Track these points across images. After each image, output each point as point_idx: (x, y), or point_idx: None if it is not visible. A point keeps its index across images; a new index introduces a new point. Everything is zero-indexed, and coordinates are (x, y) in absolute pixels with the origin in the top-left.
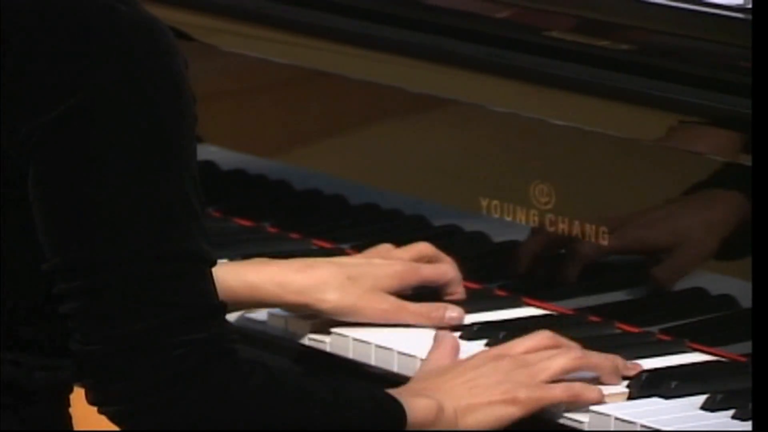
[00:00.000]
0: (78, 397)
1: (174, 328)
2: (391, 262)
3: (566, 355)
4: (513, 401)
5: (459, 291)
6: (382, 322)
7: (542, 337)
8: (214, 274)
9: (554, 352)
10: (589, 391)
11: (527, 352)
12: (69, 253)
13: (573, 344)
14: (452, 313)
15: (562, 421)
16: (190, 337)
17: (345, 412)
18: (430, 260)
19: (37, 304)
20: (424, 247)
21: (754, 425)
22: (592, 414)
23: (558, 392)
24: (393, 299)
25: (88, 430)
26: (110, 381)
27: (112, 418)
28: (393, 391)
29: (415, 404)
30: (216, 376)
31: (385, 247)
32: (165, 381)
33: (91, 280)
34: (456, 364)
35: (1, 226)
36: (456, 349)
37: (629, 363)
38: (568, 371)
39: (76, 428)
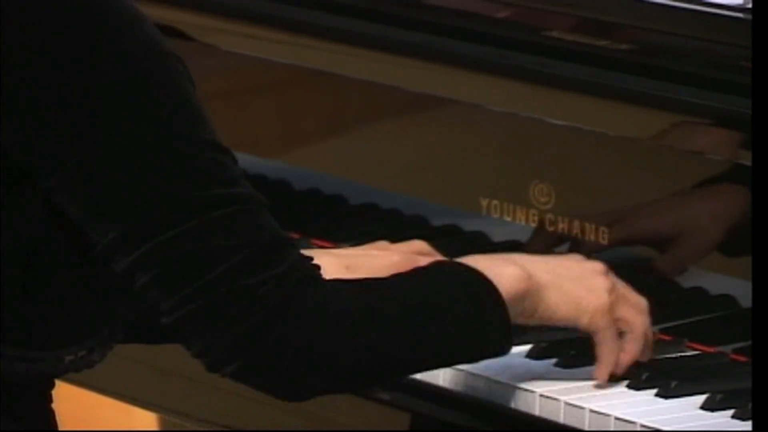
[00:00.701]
0: (73, 396)
1: (250, 268)
2: (389, 253)
3: (645, 319)
4: (602, 312)
5: None
6: None
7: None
8: None
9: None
10: (645, 351)
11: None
12: (125, 226)
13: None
14: None
15: (562, 420)
16: (270, 273)
17: (443, 308)
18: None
19: (17, 295)
20: (420, 245)
21: (754, 425)
22: (592, 414)
23: (625, 346)
24: None
25: (84, 430)
26: (211, 339)
27: (230, 377)
28: (481, 260)
29: (503, 271)
30: (307, 303)
31: (383, 244)
32: (260, 322)
33: (154, 244)
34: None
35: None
36: None
37: None
38: (639, 330)
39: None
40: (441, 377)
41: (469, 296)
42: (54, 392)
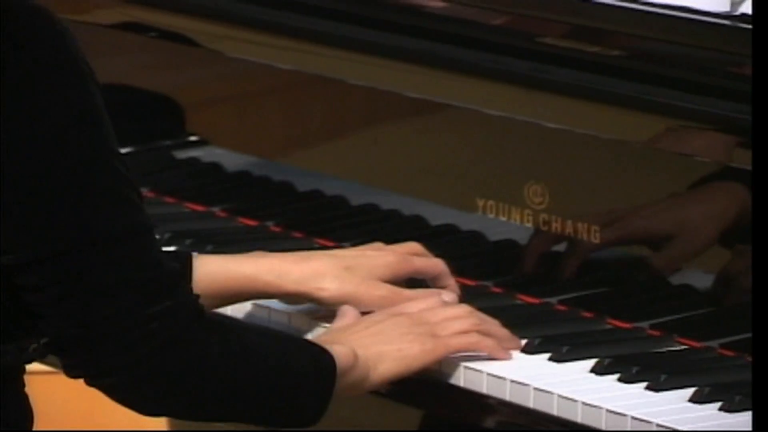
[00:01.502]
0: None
1: (144, 301)
2: (385, 253)
3: (467, 319)
4: (421, 350)
5: (451, 284)
6: (380, 308)
7: (433, 298)
8: (211, 266)
9: (452, 313)
10: (485, 341)
11: (422, 311)
12: (25, 246)
13: (464, 306)
14: (447, 297)
15: (555, 412)
16: (162, 307)
17: (288, 362)
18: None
19: None
20: (415, 246)
21: (754, 425)
22: (585, 406)
23: (459, 341)
24: (389, 286)
25: (76, 430)
26: (94, 360)
27: (104, 391)
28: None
29: (336, 351)
30: (194, 338)
31: (378, 245)
32: (147, 353)
33: (54, 269)
34: (357, 321)
35: None
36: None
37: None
38: (465, 330)
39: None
40: (462, 378)
41: (315, 370)
42: (61, 384)
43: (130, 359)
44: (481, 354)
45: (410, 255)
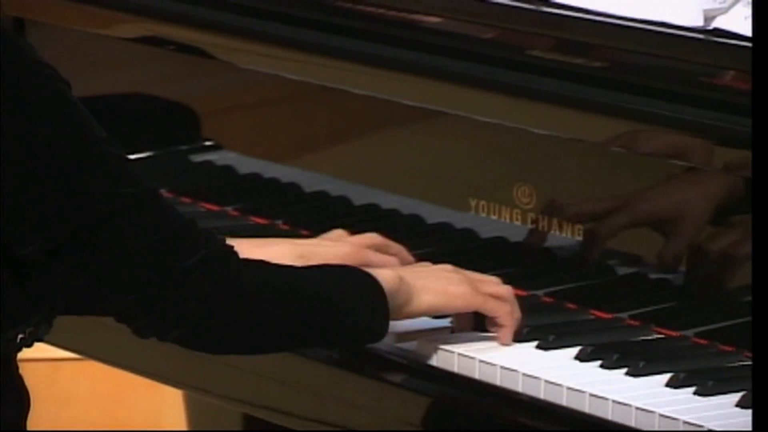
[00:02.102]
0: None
1: (181, 256)
2: (340, 244)
3: (507, 289)
4: (462, 293)
5: None
6: None
7: (496, 279)
8: None
9: (496, 281)
10: (510, 318)
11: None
12: (48, 239)
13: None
14: None
15: (542, 396)
16: (198, 257)
17: (335, 282)
18: (379, 249)
19: None
20: (373, 237)
21: (754, 425)
22: (569, 391)
23: (494, 304)
24: None
25: (81, 430)
26: (158, 318)
27: (178, 343)
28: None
29: (380, 274)
30: (237, 275)
31: (338, 233)
32: (199, 301)
33: (84, 254)
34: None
35: None
36: None
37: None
38: (502, 296)
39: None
40: (456, 364)
41: (359, 286)
42: (87, 370)
43: (186, 311)
44: (478, 341)
45: (370, 245)
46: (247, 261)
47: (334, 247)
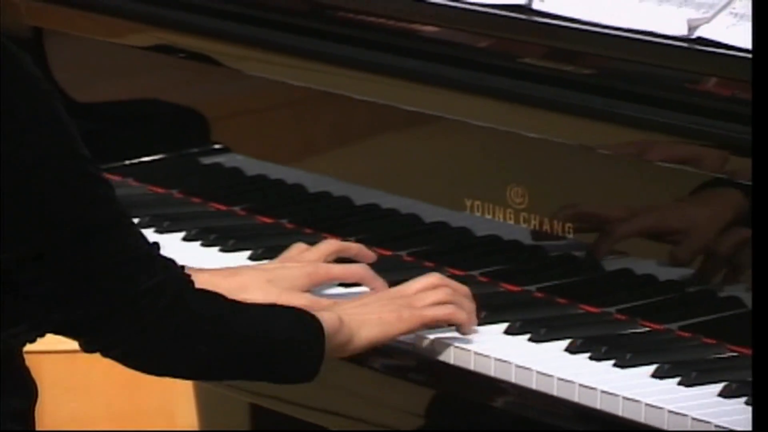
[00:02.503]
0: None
1: (135, 279)
2: (304, 264)
3: (440, 290)
4: (398, 318)
5: (377, 285)
6: None
7: (431, 279)
8: None
9: (425, 283)
10: (459, 313)
11: (412, 290)
12: (21, 247)
13: (436, 275)
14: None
15: (534, 386)
16: (153, 282)
17: (275, 322)
18: (338, 255)
19: None
20: (328, 246)
21: (754, 425)
22: (560, 381)
23: (434, 312)
24: (307, 296)
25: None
26: (101, 336)
27: (117, 360)
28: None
29: (323, 315)
30: (186, 305)
31: (298, 248)
32: (145, 323)
33: (49, 265)
34: (353, 299)
35: None
36: None
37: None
38: (440, 301)
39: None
40: (452, 356)
41: (301, 328)
42: (102, 361)
43: (132, 331)
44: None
45: (330, 253)
46: (200, 293)
47: (297, 269)
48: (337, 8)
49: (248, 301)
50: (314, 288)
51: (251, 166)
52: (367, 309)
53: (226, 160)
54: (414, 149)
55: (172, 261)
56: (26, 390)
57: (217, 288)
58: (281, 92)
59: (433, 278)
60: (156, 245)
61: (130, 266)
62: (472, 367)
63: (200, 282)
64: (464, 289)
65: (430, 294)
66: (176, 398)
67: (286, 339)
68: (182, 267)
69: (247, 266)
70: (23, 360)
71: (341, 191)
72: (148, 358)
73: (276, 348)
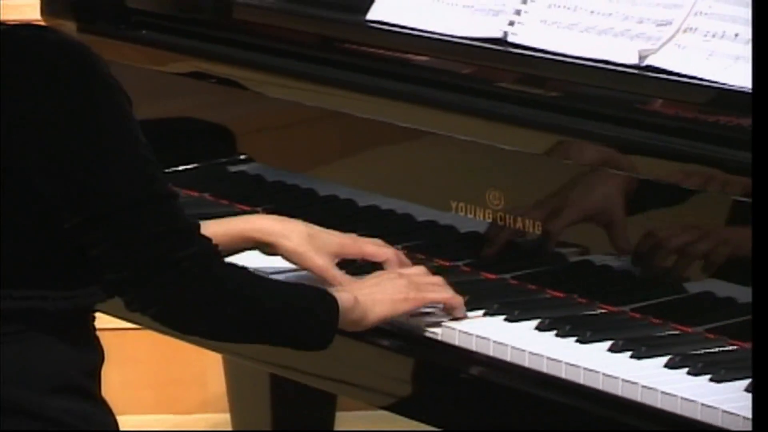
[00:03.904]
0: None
1: (176, 247)
2: (343, 235)
3: (440, 277)
4: (405, 299)
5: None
6: (313, 274)
7: (422, 268)
8: (216, 227)
9: (434, 280)
10: (455, 299)
11: (416, 274)
12: (83, 214)
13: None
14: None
15: (509, 358)
16: (190, 251)
17: (295, 296)
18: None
19: (55, 255)
20: (376, 242)
21: (754, 425)
22: (531, 355)
23: (435, 295)
24: (327, 261)
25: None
26: (143, 295)
27: (152, 318)
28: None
29: (339, 294)
30: (215, 274)
31: (353, 236)
32: (181, 287)
33: (105, 229)
34: (366, 278)
35: (24, 207)
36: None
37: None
38: (440, 284)
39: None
40: (440, 334)
41: (318, 303)
42: (147, 338)
43: (167, 293)
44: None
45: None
46: (229, 265)
47: (335, 237)
48: (344, 41)
49: (284, 247)
50: (344, 257)
51: (271, 173)
52: (379, 289)
53: (250, 168)
54: (408, 159)
55: (206, 237)
56: (95, 352)
57: (267, 229)
58: (297, 111)
59: (422, 269)
60: (196, 222)
61: (173, 237)
62: (456, 342)
63: (256, 226)
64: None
65: (433, 278)
66: (208, 369)
67: (303, 311)
68: (214, 243)
69: (296, 220)
70: (94, 327)
71: (346, 194)
72: (179, 317)
73: (293, 318)
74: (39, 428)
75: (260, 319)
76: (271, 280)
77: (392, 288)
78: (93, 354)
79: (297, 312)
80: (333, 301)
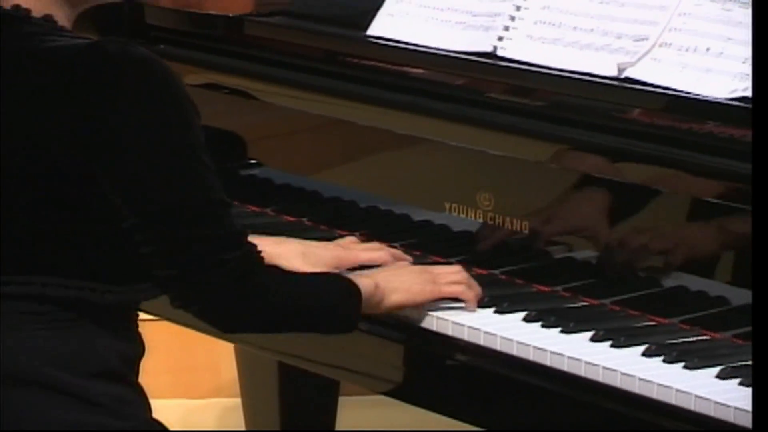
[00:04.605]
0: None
1: (224, 249)
2: (336, 247)
3: (459, 274)
4: (422, 291)
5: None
6: None
7: (455, 268)
8: None
9: (450, 269)
10: (468, 292)
11: (436, 269)
12: (143, 214)
13: (459, 267)
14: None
15: (499, 347)
16: (236, 254)
17: (323, 288)
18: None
19: (109, 251)
20: (352, 239)
21: (754, 424)
22: (519, 344)
23: (450, 289)
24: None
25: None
26: (188, 292)
27: (194, 314)
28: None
29: (361, 281)
30: (257, 276)
31: (350, 239)
32: (226, 287)
33: (161, 229)
34: (388, 267)
35: (85, 205)
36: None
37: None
38: (457, 281)
39: None
40: (435, 325)
41: (344, 291)
42: (164, 328)
43: (209, 294)
44: (457, 304)
45: (358, 247)
46: (269, 267)
47: (329, 250)
48: (346, 55)
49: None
50: (340, 270)
51: (279, 176)
52: (399, 278)
53: (260, 172)
54: (405, 163)
55: (252, 244)
56: (136, 344)
57: (267, 252)
58: (302, 120)
59: (456, 268)
60: (246, 229)
61: (222, 239)
62: (450, 332)
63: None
64: (473, 281)
65: (450, 275)
66: (221, 356)
67: (331, 301)
68: (257, 248)
69: (290, 239)
70: (137, 323)
71: (349, 196)
72: (221, 317)
73: (323, 308)
74: (79, 408)
75: (295, 315)
76: (303, 279)
77: (410, 279)
78: (134, 345)
79: (327, 307)
80: (358, 292)
